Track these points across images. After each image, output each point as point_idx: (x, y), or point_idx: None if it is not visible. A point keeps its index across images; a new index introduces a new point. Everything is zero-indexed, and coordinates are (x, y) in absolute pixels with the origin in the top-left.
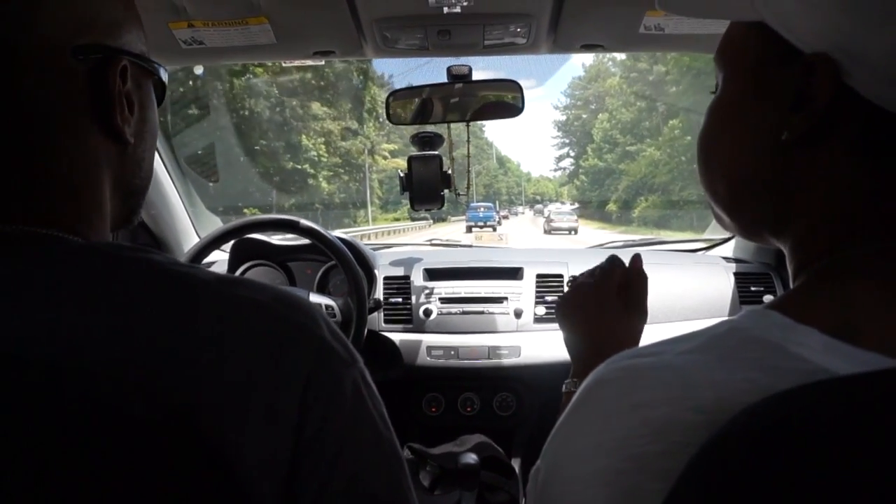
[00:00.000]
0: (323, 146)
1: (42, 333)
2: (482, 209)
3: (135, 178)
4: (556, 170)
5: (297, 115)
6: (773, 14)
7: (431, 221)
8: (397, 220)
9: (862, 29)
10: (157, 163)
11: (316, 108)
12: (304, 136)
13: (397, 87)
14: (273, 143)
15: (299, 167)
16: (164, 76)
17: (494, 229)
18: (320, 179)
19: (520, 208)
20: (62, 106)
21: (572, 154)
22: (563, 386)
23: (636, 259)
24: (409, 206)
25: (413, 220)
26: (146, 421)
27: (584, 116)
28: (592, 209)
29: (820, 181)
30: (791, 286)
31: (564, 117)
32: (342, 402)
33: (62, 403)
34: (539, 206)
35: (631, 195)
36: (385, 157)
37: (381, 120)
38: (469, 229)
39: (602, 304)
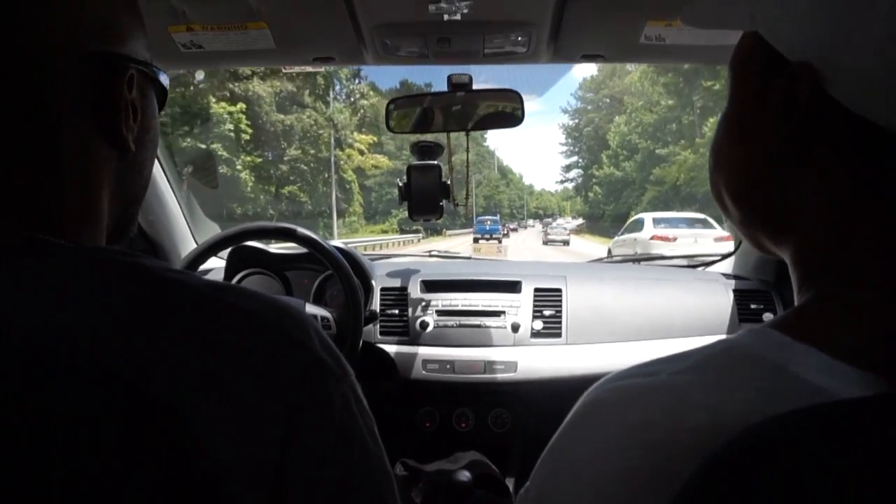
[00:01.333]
0: (244, 118)
1: (29, 334)
2: (489, 222)
3: (134, 185)
4: (563, 181)
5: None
6: (764, 23)
7: (423, 234)
8: (385, 231)
9: (837, 37)
10: (156, 168)
11: None
12: (210, 96)
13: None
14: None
15: (201, 145)
16: (167, 82)
17: (500, 241)
18: (238, 167)
19: (530, 221)
20: (67, 113)
21: (582, 163)
22: None
23: None
24: (397, 216)
25: (402, 232)
26: (128, 425)
27: (597, 120)
28: (607, 224)
29: (810, 191)
30: (795, 300)
31: (574, 122)
32: (331, 416)
33: (45, 400)
34: (548, 220)
35: (660, 208)
36: (361, 153)
37: (352, 99)
38: (476, 240)
39: None
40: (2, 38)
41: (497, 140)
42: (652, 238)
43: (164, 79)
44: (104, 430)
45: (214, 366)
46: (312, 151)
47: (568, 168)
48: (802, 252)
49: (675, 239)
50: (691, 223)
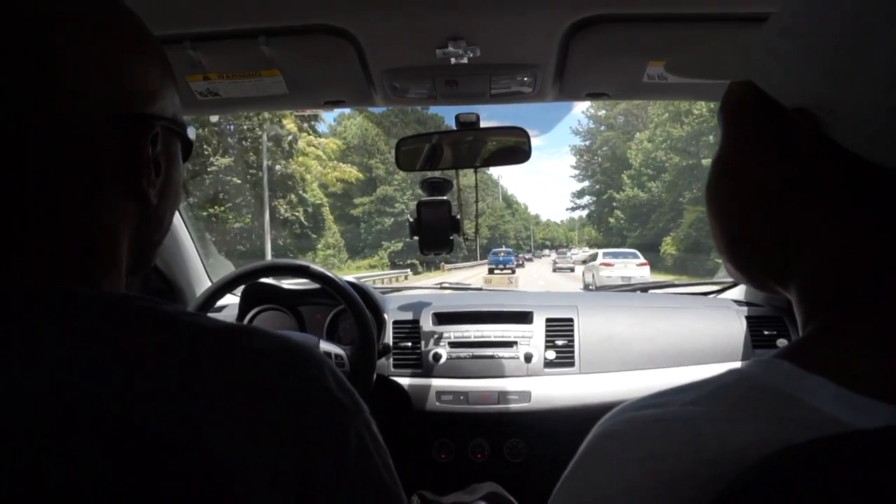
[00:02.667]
0: None
1: (50, 382)
2: (503, 254)
3: (154, 234)
4: (574, 207)
5: None
6: (759, 73)
7: (418, 269)
8: (373, 266)
9: (832, 84)
10: None
11: None
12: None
13: None
14: None
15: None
16: (192, 135)
17: (513, 271)
18: None
19: (546, 251)
20: (91, 168)
21: (597, 187)
22: None
23: None
24: (389, 249)
25: (394, 266)
26: (146, 470)
27: (613, 139)
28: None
29: (813, 231)
30: (800, 330)
31: (586, 143)
32: (346, 454)
33: (66, 448)
34: (563, 250)
35: (705, 234)
36: (324, 160)
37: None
38: (491, 271)
39: None
40: (43, 98)
41: (501, 169)
42: (601, 264)
43: (191, 132)
44: (122, 476)
45: (231, 409)
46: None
47: (580, 193)
48: (806, 290)
49: (613, 265)
50: (625, 255)
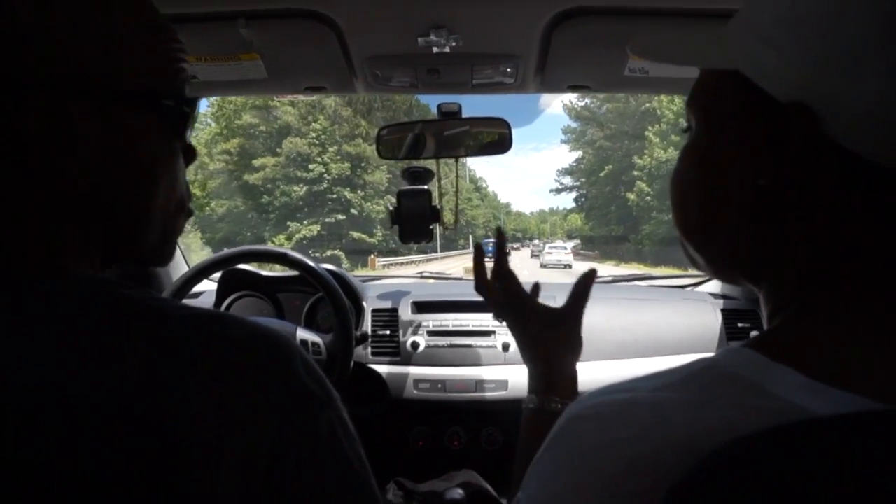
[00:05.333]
0: None
1: (10, 368)
2: (491, 244)
3: (109, 218)
4: (560, 189)
5: None
6: (750, 64)
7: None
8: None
9: (836, 80)
10: None
11: None
12: None
13: None
14: None
15: None
16: (174, 113)
17: None
18: None
19: (516, 244)
20: (16, 148)
21: (603, 155)
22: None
23: (587, 275)
24: (298, 236)
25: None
26: (110, 453)
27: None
28: (647, 244)
29: (797, 227)
30: (765, 322)
31: (583, 101)
32: (316, 443)
33: (30, 428)
34: (537, 243)
35: None
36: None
37: None
38: None
39: (517, 319)
40: None
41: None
42: (546, 253)
43: (167, 106)
44: (85, 460)
45: (197, 396)
46: None
47: (569, 171)
48: (778, 283)
49: (552, 253)
50: (561, 248)
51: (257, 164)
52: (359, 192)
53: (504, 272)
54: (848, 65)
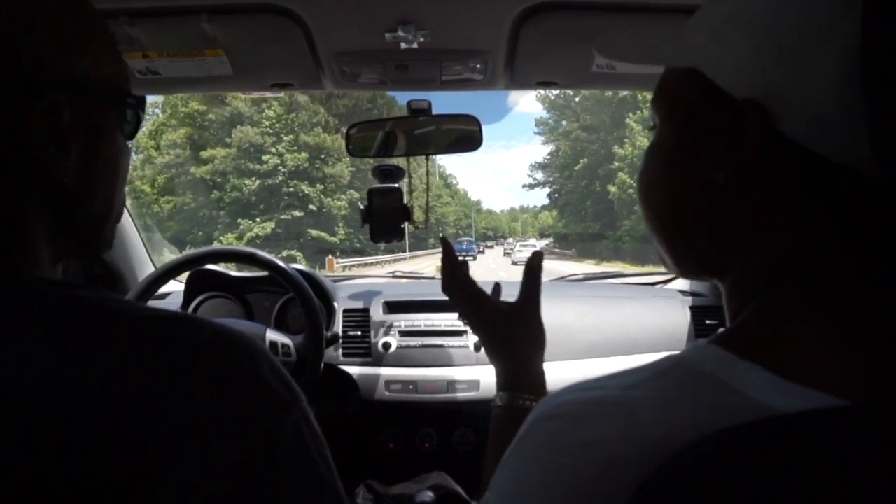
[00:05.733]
0: None
1: None
2: (465, 242)
3: (80, 215)
4: (533, 184)
5: None
6: (705, 62)
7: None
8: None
9: (785, 76)
10: None
11: None
12: None
13: None
14: None
15: None
16: (135, 103)
17: (475, 258)
18: None
19: (489, 242)
20: None
21: (577, 148)
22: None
23: (534, 257)
24: (250, 234)
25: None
26: (68, 465)
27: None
28: (628, 241)
29: (756, 222)
30: (728, 318)
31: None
32: (281, 445)
33: None
34: (511, 241)
35: None
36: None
37: None
38: None
39: (476, 317)
40: None
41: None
42: (516, 250)
43: (133, 100)
44: (37, 465)
45: (162, 400)
46: None
47: (542, 166)
48: (741, 280)
49: (522, 251)
50: (532, 245)
51: (206, 156)
52: (318, 185)
53: (460, 274)
54: (794, 61)
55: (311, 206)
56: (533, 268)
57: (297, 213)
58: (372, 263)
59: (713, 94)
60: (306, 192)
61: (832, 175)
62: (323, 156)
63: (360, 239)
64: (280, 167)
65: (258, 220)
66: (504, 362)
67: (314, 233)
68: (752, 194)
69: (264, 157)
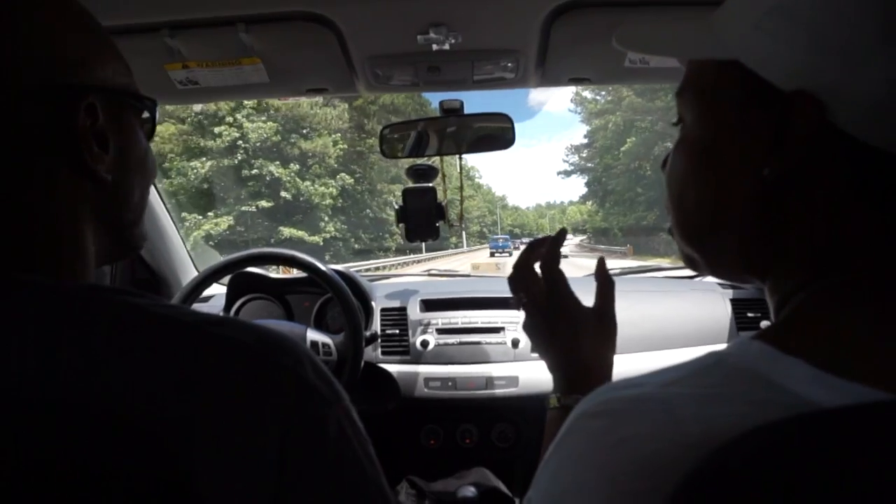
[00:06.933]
0: None
1: (10, 378)
2: (501, 240)
3: (121, 212)
4: (570, 171)
5: None
6: (749, 54)
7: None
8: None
9: (840, 68)
10: (153, 195)
11: None
12: None
13: None
14: None
15: None
16: (151, 105)
17: (510, 254)
18: None
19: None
20: (26, 148)
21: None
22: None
23: (600, 263)
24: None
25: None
26: (121, 465)
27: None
28: (665, 242)
29: (804, 217)
30: (773, 314)
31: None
32: (325, 444)
33: (32, 441)
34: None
35: None
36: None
37: None
38: (492, 255)
39: (558, 317)
40: None
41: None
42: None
43: (149, 103)
44: (93, 468)
45: (206, 401)
46: None
47: (579, 148)
48: (785, 276)
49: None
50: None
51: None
52: (293, 166)
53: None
54: (849, 53)
55: (283, 194)
56: (602, 271)
57: (265, 204)
58: (377, 268)
59: (754, 86)
60: (276, 174)
61: (887, 166)
62: (304, 129)
63: (361, 237)
64: (240, 141)
65: (210, 213)
66: (576, 367)
67: (287, 231)
68: (801, 187)
69: (218, 130)
